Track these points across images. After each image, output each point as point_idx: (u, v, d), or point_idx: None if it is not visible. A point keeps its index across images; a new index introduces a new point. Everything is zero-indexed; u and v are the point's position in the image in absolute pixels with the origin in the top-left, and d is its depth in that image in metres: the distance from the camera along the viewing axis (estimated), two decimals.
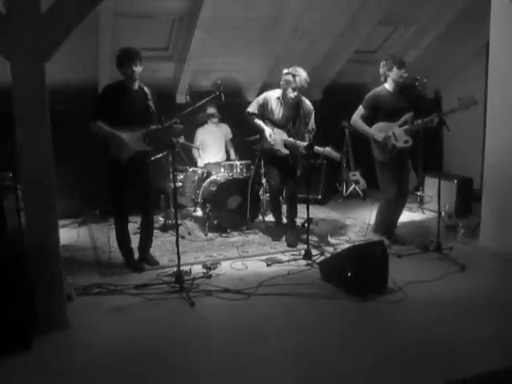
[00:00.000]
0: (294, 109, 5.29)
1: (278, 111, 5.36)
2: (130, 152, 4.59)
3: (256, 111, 5.42)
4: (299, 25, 6.54)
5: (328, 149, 5.07)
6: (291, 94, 5.15)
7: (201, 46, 6.34)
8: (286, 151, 5.37)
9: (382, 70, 5.23)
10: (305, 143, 5.09)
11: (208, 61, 6.79)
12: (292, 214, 5.66)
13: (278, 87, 5.32)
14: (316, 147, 5.06)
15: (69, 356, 3.32)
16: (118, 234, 4.88)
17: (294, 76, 5.07)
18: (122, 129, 4.54)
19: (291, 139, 5.29)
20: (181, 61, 6.70)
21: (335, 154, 5.08)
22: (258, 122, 5.41)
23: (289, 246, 5.40)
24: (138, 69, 4.56)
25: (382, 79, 5.26)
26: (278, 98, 5.34)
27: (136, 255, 4.99)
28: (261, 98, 5.45)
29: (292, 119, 5.36)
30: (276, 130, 5.36)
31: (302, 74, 5.10)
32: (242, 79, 7.28)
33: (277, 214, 5.79)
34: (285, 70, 5.17)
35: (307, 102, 5.34)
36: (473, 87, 6.86)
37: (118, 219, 4.86)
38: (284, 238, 5.56)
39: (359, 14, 6.57)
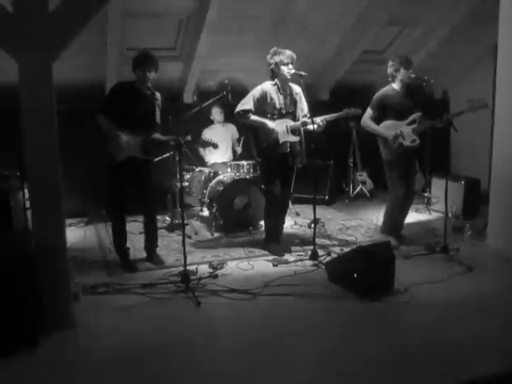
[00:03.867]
0: (289, 93, 5.08)
1: (278, 98, 5.02)
2: (124, 154, 4.58)
3: (252, 108, 4.98)
4: (306, 24, 6.53)
5: (345, 110, 4.93)
6: (288, 71, 4.89)
7: (208, 45, 6.34)
8: (293, 138, 5.05)
9: (389, 71, 5.22)
10: (318, 118, 4.88)
11: (215, 61, 6.80)
12: (283, 222, 5.47)
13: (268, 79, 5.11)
14: (330, 115, 4.92)
15: (75, 355, 3.33)
16: (115, 235, 4.89)
17: (279, 53, 4.88)
18: (122, 130, 4.54)
19: (297, 123, 5.03)
20: (188, 61, 6.70)
21: (354, 110, 4.94)
22: (256, 117, 4.98)
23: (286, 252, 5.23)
24: (151, 75, 4.54)
25: (390, 79, 5.25)
26: (275, 85, 5.02)
27: (143, 255, 5.03)
28: (256, 92, 5.03)
29: (292, 103, 5.10)
30: (277, 121, 5.01)
31: (286, 50, 4.90)
32: (249, 79, 7.28)
33: (272, 225, 5.30)
34: (268, 56, 4.96)
35: (295, 85, 5.14)
36: (480, 88, 6.84)
37: (115, 220, 4.87)
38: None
39: (367, 14, 6.55)
